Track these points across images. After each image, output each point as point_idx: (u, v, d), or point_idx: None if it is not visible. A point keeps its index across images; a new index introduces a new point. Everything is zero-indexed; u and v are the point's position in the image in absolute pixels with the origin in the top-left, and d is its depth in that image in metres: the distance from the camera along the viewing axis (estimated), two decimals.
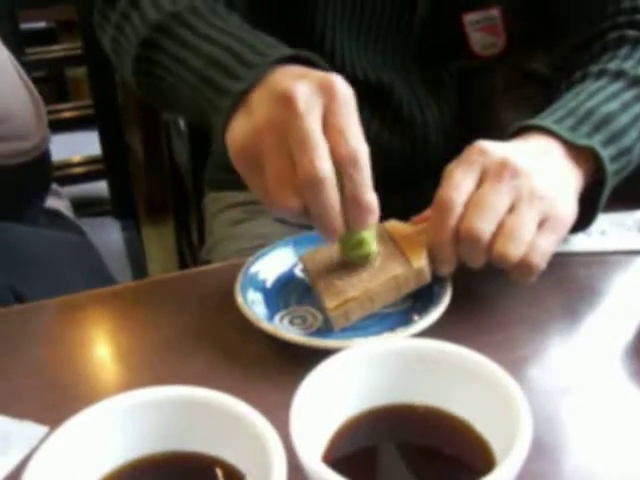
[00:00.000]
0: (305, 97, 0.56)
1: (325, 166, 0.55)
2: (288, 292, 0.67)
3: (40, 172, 1.01)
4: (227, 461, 0.42)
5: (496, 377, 0.43)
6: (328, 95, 0.57)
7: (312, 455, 0.39)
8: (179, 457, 0.43)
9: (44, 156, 1.00)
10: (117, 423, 0.42)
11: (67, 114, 1.77)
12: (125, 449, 0.43)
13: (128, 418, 0.42)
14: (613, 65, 0.74)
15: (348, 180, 0.56)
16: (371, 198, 0.57)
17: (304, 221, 0.59)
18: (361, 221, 0.58)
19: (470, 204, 0.60)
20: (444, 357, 0.45)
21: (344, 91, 0.57)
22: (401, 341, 0.50)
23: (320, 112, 0.57)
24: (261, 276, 0.68)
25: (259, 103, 0.59)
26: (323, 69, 0.62)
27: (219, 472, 0.42)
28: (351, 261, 0.63)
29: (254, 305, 0.64)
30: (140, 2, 0.73)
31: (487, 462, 0.42)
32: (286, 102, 0.56)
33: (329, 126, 0.56)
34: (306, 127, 0.55)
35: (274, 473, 0.37)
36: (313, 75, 0.59)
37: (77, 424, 0.41)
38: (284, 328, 0.62)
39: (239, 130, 0.59)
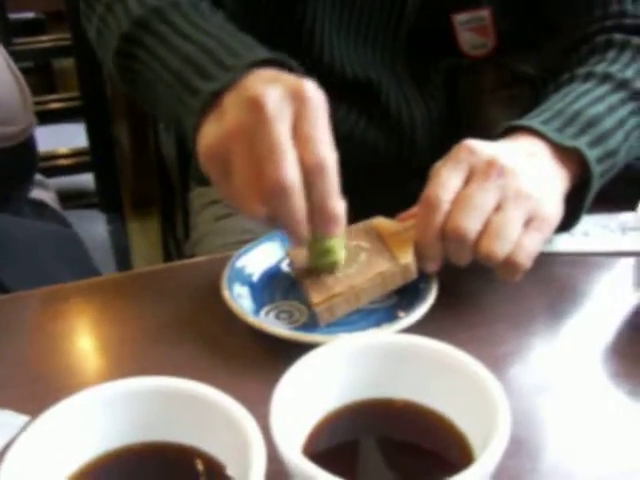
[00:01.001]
0: (275, 103, 0.56)
1: (291, 174, 0.55)
2: (274, 287, 0.67)
3: (25, 158, 1.00)
4: (207, 452, 0.42)
5: (475, 373, 0.43)
6: (299, 101, 0.57)
7: (292, 447, 0.39)
8: (159, 447, 0.43)
9: (29, 142, 0.99)
10: (97, 413, 0.42)
11: (54, 105, 1.76)
12: (105, 439, 0.43)
13: (108, 408, 0.42)
14: (600, 68, 0.75)
15: (314, 189, 0.56)
16: (337, 207, 0.57)
17: (271, 226, 0.59)
18: (327, 230, 0.58)
19: (457, 202, 0.61)
20: (424, 352, 0.46)
21: (315, 97, 0.57)
22: (381, 336, 0.50)
23: (290, 118, 0.56)
24: (247, 270, 0.68)
25: (230, 107, 0.59)
26: (298, 73, 0.62)
27: (199, 463, 0.42)
28: (318, 269, 0.63)
29: (240, 299, 0.64)
30: None
31: (465, 457, 0.42)
32: (256, 107, 0.56)
33: (298, 133, 0.56)
34: (274, 134, 0.55)
35: (254, 464, 0.37)
36: (285, 80, 0.58)
37: (57, 414, 0.41)
38: (270, 322, 0.62)
39: (209, 133, 0.59)
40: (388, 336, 0.50)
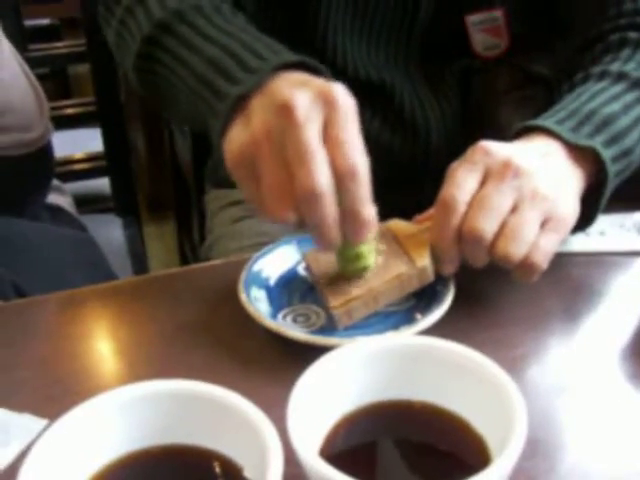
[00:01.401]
0: (305, 107, 0.55)
1: (323, 180, 0.54)
2: (291, 290, 0.67)
3: (42, 165, 1.01)
4: (225, 455, 0.42)
5: (493, 374, 0.43)
6: (329, 105, 0.56)
7: (309, 450, 0.39)
8: (177, 450, 0.43)
9: (46, 148, 1.00)
10: (115, 416, 0.43)
11: (70, 111, 1.77)
12: (123, 442, 0.43)
13: (126, 411, 0.43)
14: (615, 67, 0.75)
15: (346, 194, 0.55)
16: (369, 213, 0.57)
17: (300, 231, 0.59)
18: (358, 236, 0.58)
19: (473, 204, 0.61)
20: (441, 354, 0.46)
21: (345, 101, 0.57)
22: (398, 338, 0.50)
23: (320, 123, 0.56)
24: (264, 274, 0.68)
25: (258, 111, 0.58)
26: (325, 76, 0.62)
27: (217, 465, 0.42)
28: (348, 274, 0.63)
29: (257, 302, 0.64)
30: None
31: (483, 458, 0.42)
32: (285, 112, 0.55)
33: (329, 137, 0.56)
34: (305, 139, 0.54)
35: (271, 467, 0.37)
36: (314, 84, 0.58)
37: (76, 417, 0.41)
38: (287, 326, 0.62)
39: (236, 137, 0.59)
40: (404, 338, 0.50)
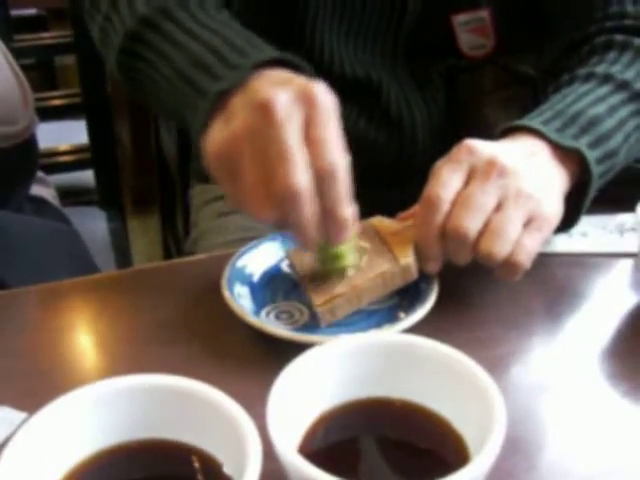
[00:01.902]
0: (285, 106, 0.55)
1: (303, 179, 0.54)
2: (275, 287, 0.67)
3: (26, 157, 1.00)
4: (204, 450, 0.42)
5: (472, 373, 0.44)
6: (309, 104, 0.56)
7: (288, 446, 0.39)
8: (156, 445, 0.43)
9: (30, 141, 0.99)
10: (94, 410, 0.42)
11: (55, 102, 1.76)
12: (102, 436, 0.43)
13: (105, 405, 0.43)
14: (601, 69, 0.75)
15: (325, 194, 0.55)
16: (347, 213, 0.57)
17: (280, 230, 0.59)
18: (337, 236, 0.58)
19: (457, 202, 0.61)
20: (421, 352, 0.46)
21: (325, 100, 0.57)
22: (377, 336, 0.50)
23: (300, 122, 0.56)
24: (248, 270, 0.68)
25: (239, 109, 0.58)
26: (306, 73, 0.62)
27: (196, 460, 0.42)
28: (327, 273, 0.63)
29: (241, 299, 0.64)
30: None
31: (462, 456, 0.42)
32: (266, 110, 0.55)
33: (309, 137, 0.56)
34: (285, 138, 0.54)
35: (250, 463, 0.38)
36: (295, 82, 0.58)
37: (54, 410, 0.41)
38: (270, 323, 0.62)
39: (217, 134, 0.59)
40: (384, 336, 0.50)
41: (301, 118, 0.56)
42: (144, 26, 0.70)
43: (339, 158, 0.56)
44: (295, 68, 0.63)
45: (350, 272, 0.62)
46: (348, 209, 0.57)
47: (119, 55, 0.72)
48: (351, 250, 0.62)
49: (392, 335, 0.53)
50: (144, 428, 0.43)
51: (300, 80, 0.58)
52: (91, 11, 0.79)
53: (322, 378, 0.45)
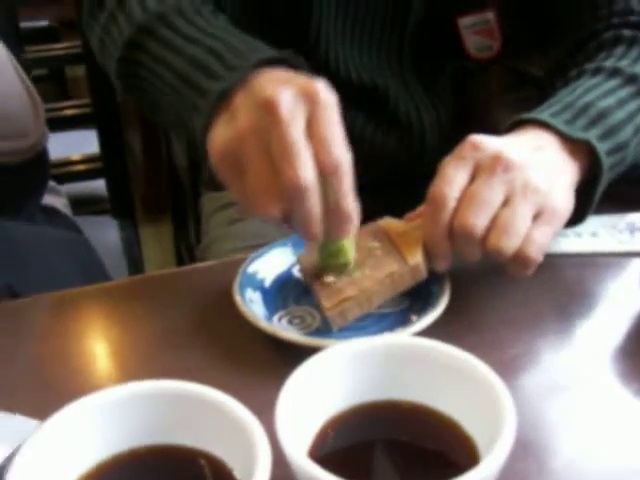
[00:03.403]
0: (288, 104, 0.56)
1: (308, 175, 0.55)
2: (286, 292, 0.67)
3: (38, 170, 1.01)
4: (214, 455, 0.42)
5: (482, 375, 0.44)
6: (311, 102, 0.57)
7: (297, 451, 0.39)
8: (166, 450, 0.44)
9: (42, 154, 1.00)
10: (105, 416, 0.43)
11: (67, 112, 1.77)
12: (113, 442, 0.43)
13: (117, 411, 0.43)
14: (609, 63, 0.75)
15: (329, 189, 0.56)
16: (351, 208, 0.58)
17: (284, 227, 0.60)
18: (340, 230, 0.58)
19: (463, 199, 0.61)
20: (429, 354, 0.46)
21: (327, 97, 0.57)
22: (386, 338, 0.50)
23: (304, 119, 0.56)
24: (259, 276, 0.68)
25: (242, 108, 0.59)
26: (305, 71, 0.62)
27: (206, 466, 0.43)
28: (328, 270, 0.63)
29: (252, 304, 0.64)
30: (127, 2, 0.73)
31: (471, 459, 0.42)
32: (269, 109, 0.56)
33: (312, 134, 0.56)
34: (289, 135, 0.55)
35: (259, 468, 0.38)
36: (297, 81, 0.58)
37: (65, 417, 0.41)
38: (283, 328, 0.62)
39: (221, 134, 0.59)
40: (393, 338, 0.50)
41: (304, 115, 0.57)
42: (142, 33, 0.70)
43: (343, 153, 0.57)
44: (294, 67, 0.63)
45: (356, 273, 0.63)
46: (352, 203, 0.58)
47: (119, 64, 0.73)
48: (351, 247, 0.62)
49: (400, 338, 0.53)
50: (154, 434, 0.44)
51: (301, 78, 0.59)
52: (90, 22, 0.79)
53: (331, 382, 0.45)
